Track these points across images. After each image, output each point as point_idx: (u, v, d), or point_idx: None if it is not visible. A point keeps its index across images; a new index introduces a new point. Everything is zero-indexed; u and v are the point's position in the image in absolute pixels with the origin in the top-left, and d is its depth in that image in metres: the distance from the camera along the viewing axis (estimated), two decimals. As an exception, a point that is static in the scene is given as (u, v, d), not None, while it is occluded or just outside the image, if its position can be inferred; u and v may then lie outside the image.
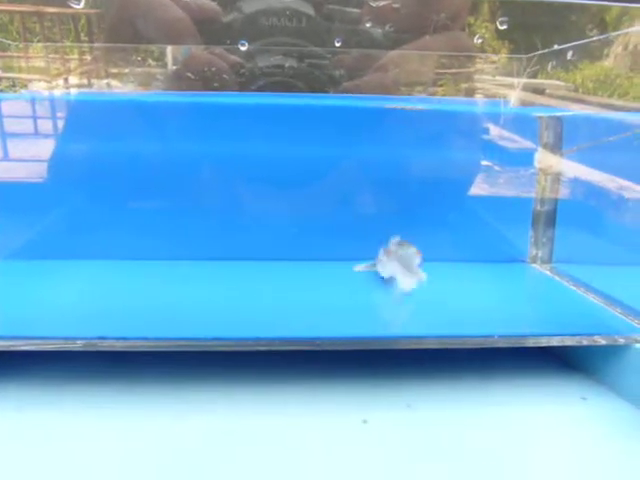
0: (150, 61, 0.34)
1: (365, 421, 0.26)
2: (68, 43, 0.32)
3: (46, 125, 0.37)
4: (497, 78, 0.36)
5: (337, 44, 0.29)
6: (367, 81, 0.33)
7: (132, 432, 0.25)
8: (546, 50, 0.33)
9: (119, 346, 0.27)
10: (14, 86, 0.35)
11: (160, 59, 0.34)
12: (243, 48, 0.28)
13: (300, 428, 0.25)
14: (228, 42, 0.31)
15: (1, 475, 0.22)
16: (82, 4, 0.24)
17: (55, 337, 0.28)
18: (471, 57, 0.34)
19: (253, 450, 0.24)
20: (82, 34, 0.32)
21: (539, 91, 0.36)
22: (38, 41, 0.33)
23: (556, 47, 0.33)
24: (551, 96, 0.37)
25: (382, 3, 0.29)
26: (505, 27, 0.26)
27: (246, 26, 0.29)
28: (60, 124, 0.37)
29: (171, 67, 0.34)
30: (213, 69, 0.32)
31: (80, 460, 0.23)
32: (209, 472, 0.22)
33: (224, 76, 0.32)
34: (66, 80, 0.35)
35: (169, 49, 0.33)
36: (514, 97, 0.36)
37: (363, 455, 0.23)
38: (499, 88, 0.36)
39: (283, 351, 0.28)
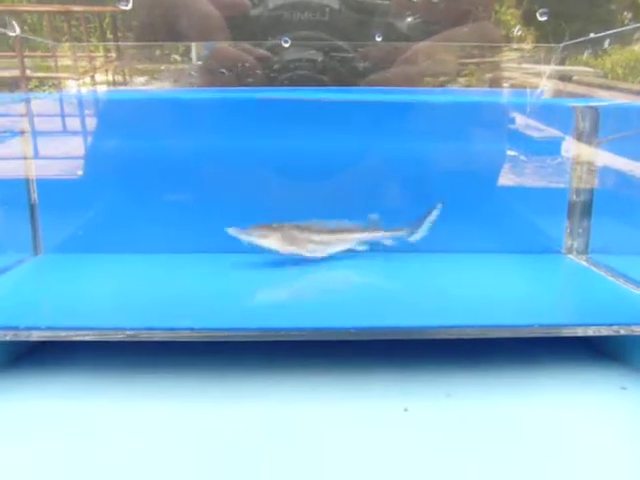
0: (176, 57, 0.35)
1: (406, 409, 0.26)
2: (96, 41, 0.33)
3: (79, 123, 0.38)
4: (526, 66, 0.36)
5: (378, 38, 0.29)
6: (394, 73, 0.33)
7: (187, 419, 0.26)
8: (579, 39, 0.33)
9: (167, 336, 0.28)
10: (43, 85, 0.36)
11: (185, 55, 0.34)
12: (286, 45, 0.29)
13: (343, 415, 0.26)
14: (256, 37, 0.31)
15: (66, 458, 0.23)
16: (130, 5, 0.24)
17: (100, 327, 0.29)
18: (499, 46, 0.34)
19: (297, 437, 0.24)
20: (108, 32, 0.33)
21: (567, 78, 0.36)
22: (65, 40, 0.34)
23: (592, 35, 0.33)
24: (579, 83, 0.36)
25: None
26: (545, 18, 0.26)
27: (271, 21, 0.30)
28: (96, 122, 0.38)
29: (196, 62, 0.34)
30: (239, 63, 0.32)
31: (136, 444, 0.24)
32: (261, 456, 0.23)
33: (250, 69, 0.32)
34: (95, 78, 0.36)
35: (194, 45, 0.34)
36: (545, 85, 0.36)
37: (405, 442, 0.24)
38: (529, 77, 0.36)
39: (324, 341, 0.29)
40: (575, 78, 0.36)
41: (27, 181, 0.38)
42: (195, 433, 0.25)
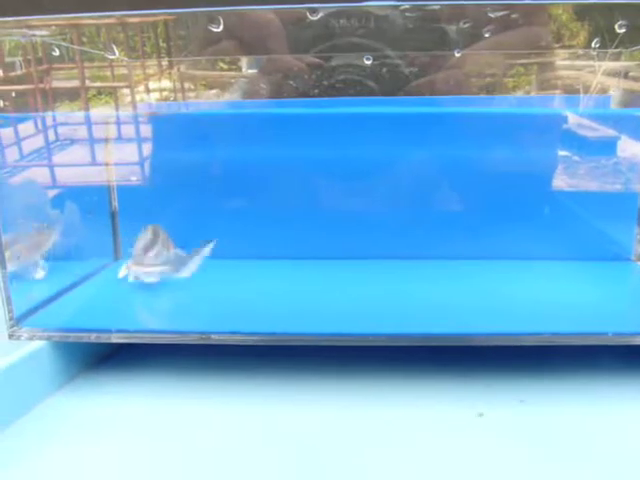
0: (230, 68, 0.36)
1: (481, 414, 0.27)
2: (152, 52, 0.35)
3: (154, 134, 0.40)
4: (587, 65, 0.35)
5: (456, 53, 0.29)
6: (442, 79, 0.33)
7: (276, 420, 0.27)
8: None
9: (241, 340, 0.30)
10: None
11: (235, 64, 0.35)
12: (368, 62, 0.30)
13: (417, 420, 0.27)
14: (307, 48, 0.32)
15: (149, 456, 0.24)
16: (221, 27, 0.26)
17: (175, 331, 0.30)
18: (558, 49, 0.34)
19: (372, 442, 0.25)
20: (162, 42, 0.34)
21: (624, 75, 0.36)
22: (121, 50, 0.35)
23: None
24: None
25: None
26: (624, 30, 0.26)
27: (319, 30, 0.30)
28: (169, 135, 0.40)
29: (252, 73, 0.36)
30: (292, 71, 0.33)
31: (210, 445, 0.25)
32: (334, 459, 0.24)
33: (304, 77, 0.33)
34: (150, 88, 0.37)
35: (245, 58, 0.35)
36: (612, 88, 0.36)
37: (480, 448, 0.25)
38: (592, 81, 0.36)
39: (399, 346, 0.30)
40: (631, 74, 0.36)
41: (109, 189, 0.40)
42: (273, 435, 0.26)
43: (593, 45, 0.29)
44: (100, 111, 0.38)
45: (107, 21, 0.29)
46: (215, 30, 0.26)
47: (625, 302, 0.35)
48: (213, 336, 0.30)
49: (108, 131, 0.39)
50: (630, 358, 0.31)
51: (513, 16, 0.28)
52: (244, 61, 0.36)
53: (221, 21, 0.26)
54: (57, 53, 0.31)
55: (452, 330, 0.30)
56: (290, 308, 0.33)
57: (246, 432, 0.26)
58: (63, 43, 0.31)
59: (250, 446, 0.25)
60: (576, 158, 0.39)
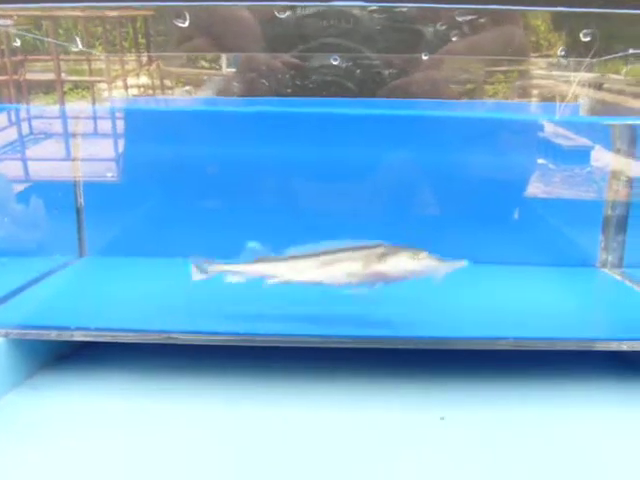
0: (206, 65, 0.36)
1: (443, 418, 0.27)
2: (130, 51, 0.34)
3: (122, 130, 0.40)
4: (556, 75, 0.36)
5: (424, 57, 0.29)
6: (417, 80, 0.33)
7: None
8: (616, 55, 0.33)
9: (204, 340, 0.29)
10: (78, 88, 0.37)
11: (215, 62, 0.35)
12: (335, 62, 0.30)
13: (379, 423, 0.26)
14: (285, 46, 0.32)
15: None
16: (187, 23, 0.25)
17: (140, 330, 0.30)
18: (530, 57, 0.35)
19: (330, 443, 0.25)
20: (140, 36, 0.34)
21: (597, 86, 0.36)
22: (99, 44, 0.35)
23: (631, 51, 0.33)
24: (610, 90, 0.36)
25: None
26: (589, 39, 0.27)
27: (298, 29, 0.30)
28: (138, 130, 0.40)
29: (228, 70, 0.35)
30: (270, 69, 0.33)
31: (171, 443, 0.25)
32: (297, 459, 0.24)
33: (279, 76, 0.33)
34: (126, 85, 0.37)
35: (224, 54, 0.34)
36: (580, 96, 0.36)
37: (441, 451, 0.24)
38: (560, 85, 0.36)
39: (357, 348, 0.30)
40: (606, 86, 0.36)
41: (75, 184, 0.39)
42: (222, 434, 0.25)
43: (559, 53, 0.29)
44: (69, 106, 0.37)
45: (72, 13, 0.29)
46: (181, 25, 0.25)
47: (586, 308, 0.35)
48: (178, 336, 0.30)
49: (75, 126, 0.39)
50: (589, 364, 0.32)
51: (480, 21, 0.28)
52: (224, 59, 0.35)
53: (187, 16, 0.25)
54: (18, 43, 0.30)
55: (420, 333, 0.30)
56: (254, 308, 0.32)
57: (204, 431, 0.26)
58: (26, 33, 0.30)
59: (208, 445, 0.24)
60: (543, 165, 0.39)
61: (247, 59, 0.34)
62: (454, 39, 0.29)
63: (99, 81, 0.36)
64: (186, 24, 0.26)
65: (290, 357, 0.31)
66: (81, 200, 0.39)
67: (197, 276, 0.31)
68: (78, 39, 0.30)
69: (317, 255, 0.30)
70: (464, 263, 0.29)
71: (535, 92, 0.37)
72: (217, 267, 0.31)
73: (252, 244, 0.31)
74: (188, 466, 0.23)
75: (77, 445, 0.24)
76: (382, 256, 0.29)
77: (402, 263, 0.29)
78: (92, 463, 0.23)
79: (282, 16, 0.27)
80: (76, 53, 0.34)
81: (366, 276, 0.29)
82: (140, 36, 0.33)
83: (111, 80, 0.36)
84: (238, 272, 0.31)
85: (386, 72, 0.32)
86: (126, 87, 0.37)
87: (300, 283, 0.30)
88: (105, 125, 0.40)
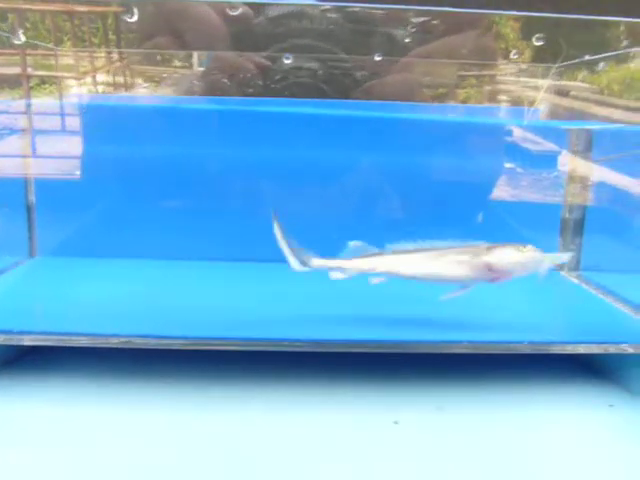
0: (178, 64, 0.35)
1: (396, 422, 0.26)
2: (98, 43, 0.33)
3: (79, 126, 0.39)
4: (523, 81, 0.36)
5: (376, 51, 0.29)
6: (390, 82, 0.33)
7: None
8: (575, 61, 0.34)
9: (160, 344, 0.28)
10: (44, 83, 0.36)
11: (186, 60, 0.35)
12: (287, 62, 0.29)
13: (331, 427, 0.26)
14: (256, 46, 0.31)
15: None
16: (135, 18, 0.25)
17: (93, 333, 0.29)
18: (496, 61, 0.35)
19: (281, 448, 0.24)
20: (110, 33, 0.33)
21: (564, 93, 0.37)
22: (68, 39, 0.34)
23: (587, 58, 0.33)
24: (576, 98, 0.37)
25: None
26: (541, 43, 0.27)
27: (271, 29, 0.30)
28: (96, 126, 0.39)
29: (198, 70, 0.35)
30: (240, 71, 0.32)
31: (124, 450, 0.24)
32: (249, 462, 0.23)
33: (251, 77, 0.32)
34: (96, 79, 0.36)
35: (195, 53, 0.34)
36: (542, 101, 0.37)
37: (394, 455, 0.24)
38: (526, 91, 0.37)
39: (312, 352, 0.29)
40: (572, 93, 0.37)
41: (25, 182, 0.38)
42: (187, 440, 0.25)
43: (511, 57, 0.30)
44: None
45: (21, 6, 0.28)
46: (129, 20, 0.25)
47: (543, 311, 0.35)
48: (135, 340, 0.29)
49: (27, 121, 0.37)
50: (546, 367, 0.32)
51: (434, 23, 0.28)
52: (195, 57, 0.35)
53: (135, 11, 0.24)
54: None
55: (376, 336, 0.29)
56: (207, 311, 0.32)
57: (156, 436, 0.25)
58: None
59: (159, 449, 0.24)
60: (502, 168, 0.40)
61: (214, 58, 0.34)
62: (407, 41, 0.29)
63: (48, 75, 0.35)
64: (135, 19, 0.25)
65: (231, 361, 0.31)
66: (32, 198, 0.38)
67: (297, 267, 0.30)
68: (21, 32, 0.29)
69: (423, 250, 0.31)
70: (568, 256, 0.31)
71: (496, 96, 0.37)
72: (320, 261, 0.30)
73: (354, 243, 0.31)
74: (133, 477, 0.22)
75: (16, 451, 0.24)
76: (489, 249, 0.30)
77: (508, 255, 0.30)
78: (32, 473, 0.22)
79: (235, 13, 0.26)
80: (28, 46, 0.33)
81: (475, 266, 0.30)
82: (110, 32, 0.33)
83: (62, 76, 0.35)
84: (342, 268, 0.30)
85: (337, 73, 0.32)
86: (80, 84, 0.36)
87: (408, 277, 0.30)
88: (59, 121, 0.39)
